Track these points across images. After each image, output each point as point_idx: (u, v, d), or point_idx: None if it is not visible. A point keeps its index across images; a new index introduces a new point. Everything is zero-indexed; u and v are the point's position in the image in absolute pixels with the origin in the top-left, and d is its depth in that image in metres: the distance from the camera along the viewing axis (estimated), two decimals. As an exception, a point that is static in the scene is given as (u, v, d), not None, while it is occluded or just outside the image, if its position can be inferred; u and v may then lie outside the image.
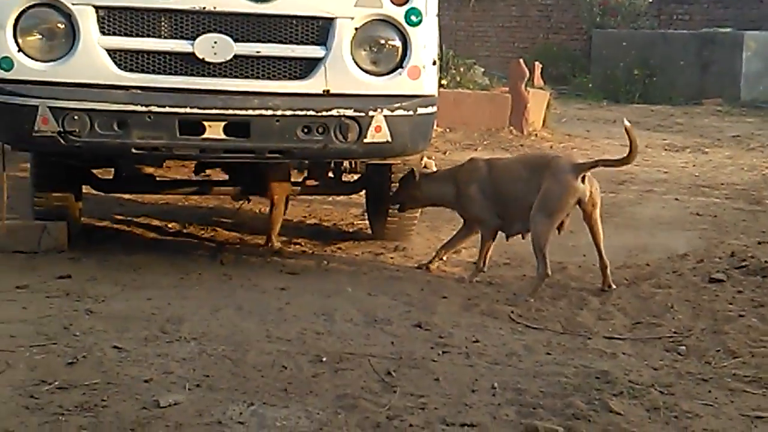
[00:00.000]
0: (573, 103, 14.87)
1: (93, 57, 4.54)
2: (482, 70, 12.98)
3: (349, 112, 4.69)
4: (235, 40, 4.61)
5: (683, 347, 4.03)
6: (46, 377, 3.43)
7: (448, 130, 10.46)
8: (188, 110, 4.56)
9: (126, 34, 4.56)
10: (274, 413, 3.22)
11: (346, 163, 5.60)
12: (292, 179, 5.62)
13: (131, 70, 4.58)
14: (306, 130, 4.67)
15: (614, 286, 4.88)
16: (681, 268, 5.24)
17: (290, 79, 4.72)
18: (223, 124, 4.61)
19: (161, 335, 3.94)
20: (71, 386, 3.36)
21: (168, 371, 3.55)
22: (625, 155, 4.95)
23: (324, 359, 3.74)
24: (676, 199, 7.47)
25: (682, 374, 3.72)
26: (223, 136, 4.62)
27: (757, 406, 3.44)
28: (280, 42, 4.68)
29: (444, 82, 10.74)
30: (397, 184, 5.35)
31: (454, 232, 5.39)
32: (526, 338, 4.12)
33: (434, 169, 5.90)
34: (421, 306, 4.52)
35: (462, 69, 11.90)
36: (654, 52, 15.90)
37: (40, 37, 4.55)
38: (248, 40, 4.64)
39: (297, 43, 4.70)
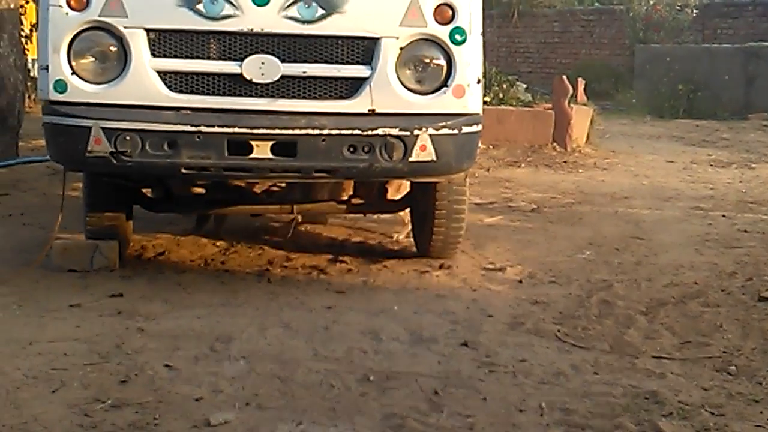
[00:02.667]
0: (616, 118, 14.80)
1: (144, 79, 4.63)
2: (524, 86, 12.98)
3: (395, 131, 4.73)
4: (282, 61, 4.68)
5: (733, 367, 3.99)
6: (99, 395, 3.49)
7: (491, 146, 10.46)
8: (236, 130, 4.62)
9: (176, 56, 4.65)
10: (323, 432, 3.25)
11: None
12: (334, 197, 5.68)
13: (181, 91, 4.66)
14: (352, 149, 4.71)
15: None
16: (729, 287, 5.19)
17: (336, 98, 4.76)
18: (270, 143, 4.66)
19: (211, 354, 3.99)
20: (124, 404, 3.42)
21: (218, 390, 3.59)
22: None
23: (371, 378, 3.76)
24: (724, 216, 7.40)
25: (733, 395, 3.69)
26: (271, 156, 4.68)
27: (809, 427, 3.39)
28: (326, 62, 4.74)
29: (487, 99, 10.75)
30: None
31: None
32: (573, 357, 4.11)
33: None
34: (467, 324, 4.53)
35: (504, 85, 11.91)
36: (698, 67, 15.78)
37: (93, 59, 4.65)
38: (295, 61, 4.70)
39: (343, 63, 4.75)
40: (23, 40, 10.00)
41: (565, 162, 10.21)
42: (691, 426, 3.36)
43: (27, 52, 10.62)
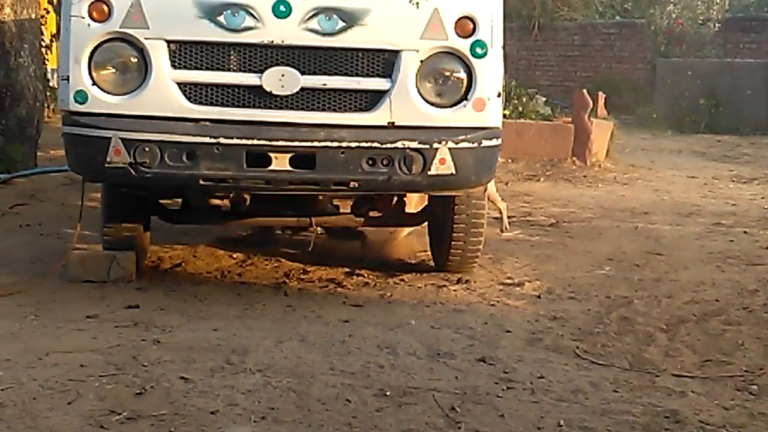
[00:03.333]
0: (637, 133, 14.72)
1: (164, 90, 4.63)
2: (544, 99, 12.94)
3: (414, 145, 4.71)
4: (302, 73, 4.67)
5: (755, 386, 3.93)
6: (115, 407, 3.48)
7: (510, 160, 10.42)
8: (255, 142, 4.62)
9: (196, 68, 4.65)
10: (339, 447, 3.22)
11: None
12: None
13: (201, 103, 4.66)
14: (371, 162, 4.69)
15: None
16: (751, 305, 5.13)
17: (356, 111, 4.75)
18: (289, 155, 4.65)
19: (227, 366, 3.97)
20: (140, 417, 3.41)
21: (234, 403, 3.57)
22: None
23: (388, 393, 3.73)
24: (745, 233, 7.33)
25: (755, 415, 3.63)
26: (289, 168, 4.67)
27: (833, 449, 3.34)
28: (346, 75, 4.72)
29: (506, 112, 10.71)
30: None
31: None
32: (592, 375, 4.06)
33: None
34: (484, 340, 4.49)
35: (524, 99, 11.88)
36: (720, 82, 15.69)
37: (114, 71, 4.66)
38: (315, 73, 4.69)
39: (363, 76, 4.74)
40: (43, 50, 10.06)
41: (584, 176, 10.16)
42: (712, 446, 3.32)
43: (47, 62, 10.68)
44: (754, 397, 3.84)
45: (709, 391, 3.89)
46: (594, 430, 3.44)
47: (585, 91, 11.09)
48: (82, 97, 4.63)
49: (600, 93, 13.00)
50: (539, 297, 5.33)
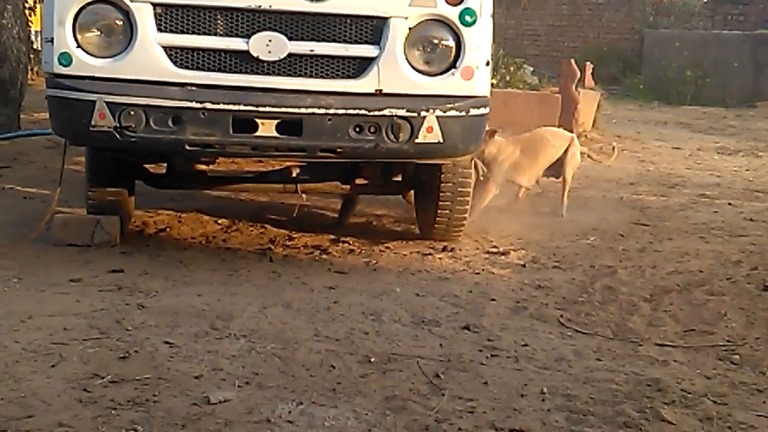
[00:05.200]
0: (623, 103, 14.73)
1: (149, 54, 4.58)
2: (531, 69, 12.90)
3: (401, 112, 4.69)
4: (290, 39, 4.63)
5: (737, 356, 3.97)
6: (98, 371, 3.47)
7: (500, 128, 10.38)
8: (242, 108, 4.58)
9: (182, 32, 4.60)
10: (323, 413, 3.23)
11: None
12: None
13: (187, 67, 4.62)
14: (358, 130, 4.67)
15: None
16: (735, 275, 5.16)
17: (343, 78, 4.72)
18: (276, 122, 4.63)
19: (211, 332, 3.97)
20: (123, 381, 3.40)
21: (218, 368, 3.57)
22: None
23: (372, 360, 3.74)
24: (730, 204, 7.37)
25: (736, 384, 3.66)
26: (276, 134, 4.64)
27: (813, 419, 3.37)
28: (334, 41, 4.69)
29: (493, 81, 10.65)
30: None
31: None
32: (575, 343, 4.08)
33: None
34: (469, 308, 4.50)
35: (512, 68, 11.84)
36: (707, 53, 15.68)
37: (99, 33, 4.61)
38: (302, 39, 4.65)
39: (351, 42, 4.70)
40: (27, 11, 9.93)
41: (570, 146, 10.13)
42: (693, 414, 3.34)
43: (30, 24, 10.55)
44: (735, 366, 3.87)
45: (692, 360, 3.92)
46: (577, 397, 3.46)
47: (573, 60, 11.05)
48: (66, 59, 4.58)
49: (588, 63, 12.97)
50: (524, 266, 5.34)
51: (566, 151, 6.73)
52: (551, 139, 6.80)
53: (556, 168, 6.73)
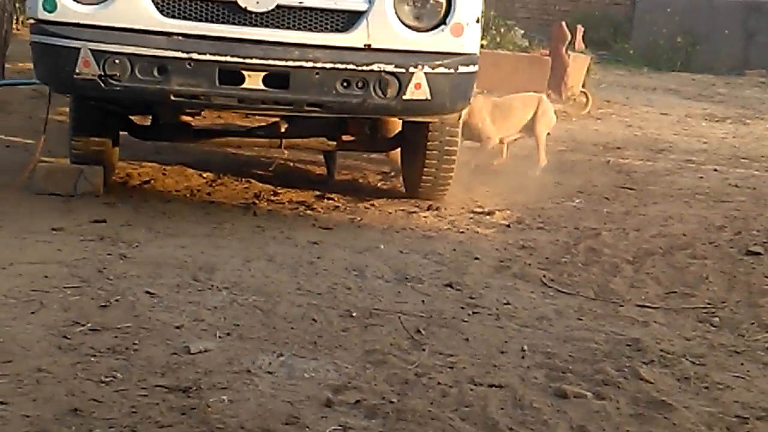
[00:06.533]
0: (613, 68, 14.69)
1: (136, 1, 4.52)
2: (522, 31, 12.83)
3: (390, 68, 4.65)
4: (278, -10, 4.57)
5: (716, 319, 3.99)
6: (79, 319, 3.46)
7: (485, 91, 10.33)
8: (228, 59, 4.54)
9: (169, -20, 4.54)
10: (303, 365, 3.24)
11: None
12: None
13: (173, 17, 4.56)
14: (345, 84, 4.64)
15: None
16: (717, 240, 5.18)
17: (332, 31, 4.67)
18: (262, 74, 4.58)
19: (193, 283, 3.96)
20: (103, 329, 3.39)
21: (199, 319, 3.57)
22: None
23: (354, 314, 3.74)
24: (715, 170, 7.38)
25: (715, 346, 3.68)
26: (262, 87, 4.60)
27: (789, 381, 3.40)
28: (323, -7, 4.63)
29: (483, 42, 10.58)
30: None
31: None
32: (557, 303, 4.09)
33: None
34: (452, 266, 4.50)
35: (502, 30, 11.77)
36: (698, 20, 15.63)
37: (84, -21, 4.54)
38: (291, -9, 4.59)
39: (340, -5, 4.65)
40: (13, -42, 9.76)
41: (558, 110, 10.11)
42: (671, 374, 3.36)
43: (16, -28, 10.39)
44: (715, 328, 3.89)
45: (672, 322, 3.94)
46: (556, 355, 3.47)
47: (564, 23, 10.99)
48: (51, 5, 4.51)
49: (578, 26, 12.89)
50: (509, 226, 5.34)
51: (536, 110, 6.74)
52: (520, 105, 6.87)
53: (529, 127, 6.76)
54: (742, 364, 3.51)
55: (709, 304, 4.19)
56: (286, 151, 5.86)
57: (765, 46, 15.03)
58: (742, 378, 3.38)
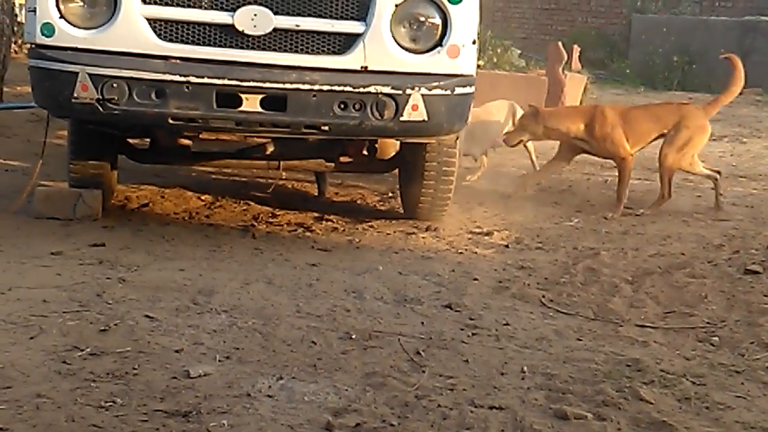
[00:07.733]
0: (610, 88, 14.72)
1: (133, 26, 4.54)
2: (519, 51, 12.87)
3: (387, 90, 4.67)
4: (275, 13, 4.59)
5: (716, 338, 3.98)
6: (78, 343, 3.46)
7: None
8: (226, 82, 4.55)
9: (167, 4, 4.56)
10: (303, 388, 3.23)
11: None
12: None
13: (171, 40, 4.58)
14: (343, 106, 4.65)
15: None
16: (716, 259, 5.18)
17: (329, 54, 4.69)
18: (260, 97, 4.60)
19: (192, 306, 3.96)
20: (103, 353, 3.39)
21: (198, 342, 3.56)
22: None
23: (353, 336, 3.74)
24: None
25: (715, 365, 3.68)
26: (260, 110, 4.62)
27: (790, 400, 3.39)
28: (320, 16, 4.65)
29: (480, 63, 10.64)
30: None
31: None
32: (556, 323, 4.09)
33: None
34: (451, 287, 4.50)
35: (499, 50, 11.81)
36: (694, 39, 15.68)
37: (82, 4, 4.56)
38: (288, 14, 4.61)
39: (337, 18, 4.67)
40: (11, -17, 9.80)
41: (556, 129, 10.13)
42: (672, 394, 3.36)
43: (15, -4, 10.43)
44: (714, 348, 3.89)
45: (671, 342, 3.94)
46: (557, 376, 3.47)
47: (560, 43, 11.02)
48: (49, 29, 4.53)
49: (575, 46, 12.94)
50: (507, 246, 5.35)
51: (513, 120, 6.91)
52: (495, 113, 7.00)
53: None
54: (742, 383, 3.51)
55: (708, 323, 4.18)
56: (284, 173, 5.86)
57: (761, 65, 15.05)
58: (743, 398, 3.38)
